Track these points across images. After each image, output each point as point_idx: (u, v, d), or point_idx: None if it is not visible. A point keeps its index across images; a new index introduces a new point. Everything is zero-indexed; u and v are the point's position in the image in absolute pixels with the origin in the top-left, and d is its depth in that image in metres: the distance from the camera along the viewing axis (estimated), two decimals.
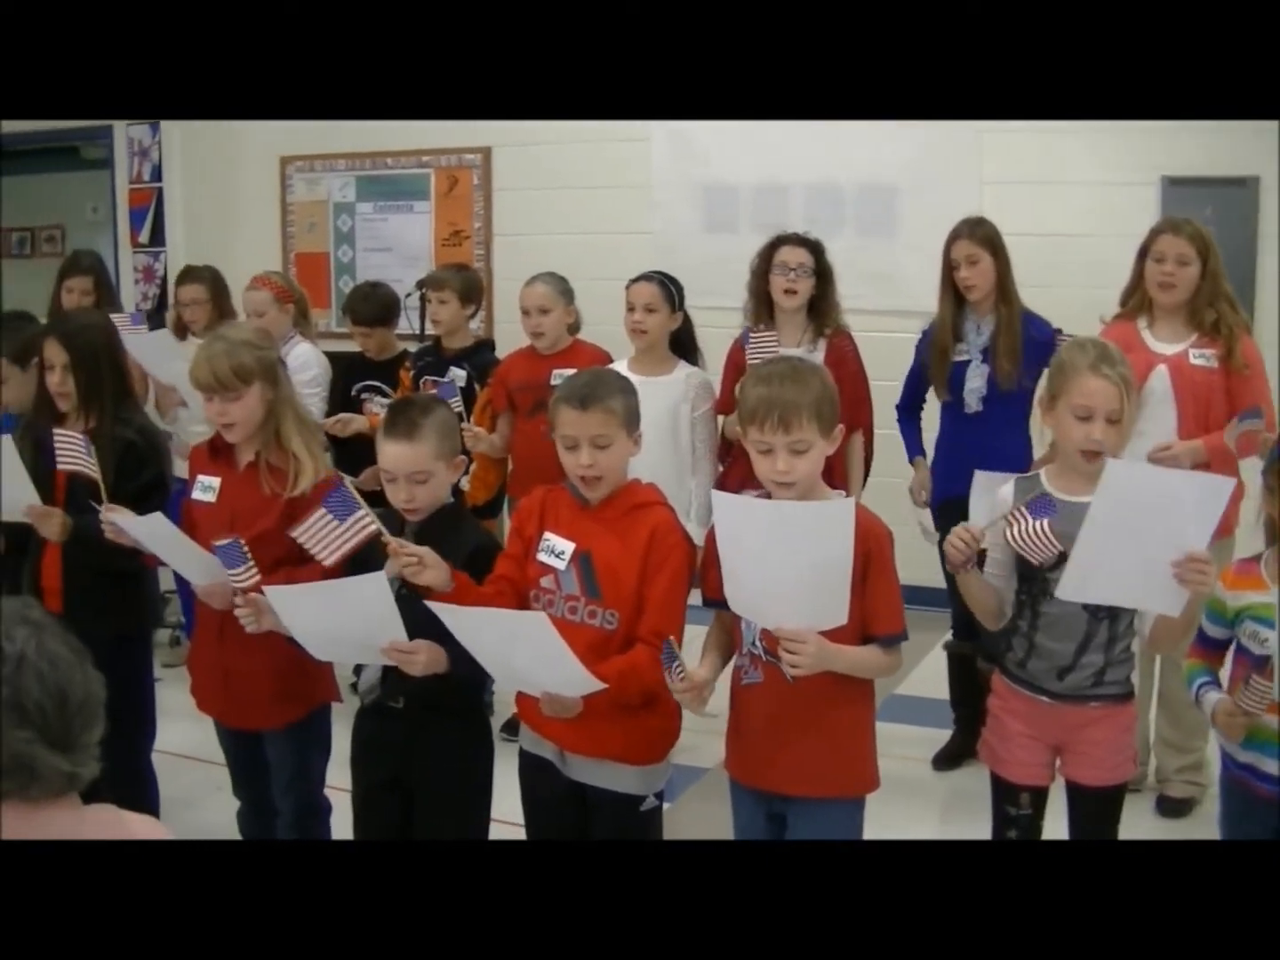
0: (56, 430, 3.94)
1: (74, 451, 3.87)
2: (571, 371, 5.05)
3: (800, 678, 3.07)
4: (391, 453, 3.44)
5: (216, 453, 3.90)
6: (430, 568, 3.25)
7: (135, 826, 2.05)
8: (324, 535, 3.37)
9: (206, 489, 3.88)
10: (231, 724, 4.00)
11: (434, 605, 3.12)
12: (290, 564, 3.66)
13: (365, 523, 3.34)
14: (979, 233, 5.16)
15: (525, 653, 3.10)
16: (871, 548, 3.10)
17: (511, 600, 3.35)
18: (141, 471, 4.06)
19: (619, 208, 7.98)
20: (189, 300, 6.40)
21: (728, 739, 3.41)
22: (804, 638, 2.99)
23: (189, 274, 6.53)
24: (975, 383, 5.15)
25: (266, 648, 3.60)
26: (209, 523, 3.83)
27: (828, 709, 3.20)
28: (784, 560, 2.93)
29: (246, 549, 3.49)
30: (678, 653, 3.08)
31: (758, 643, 3.22)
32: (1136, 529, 3.02)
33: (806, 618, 3.00)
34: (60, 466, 3.90)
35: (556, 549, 3.34)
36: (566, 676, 3.07)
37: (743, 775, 3.36)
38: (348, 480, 3.36)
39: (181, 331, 6.46)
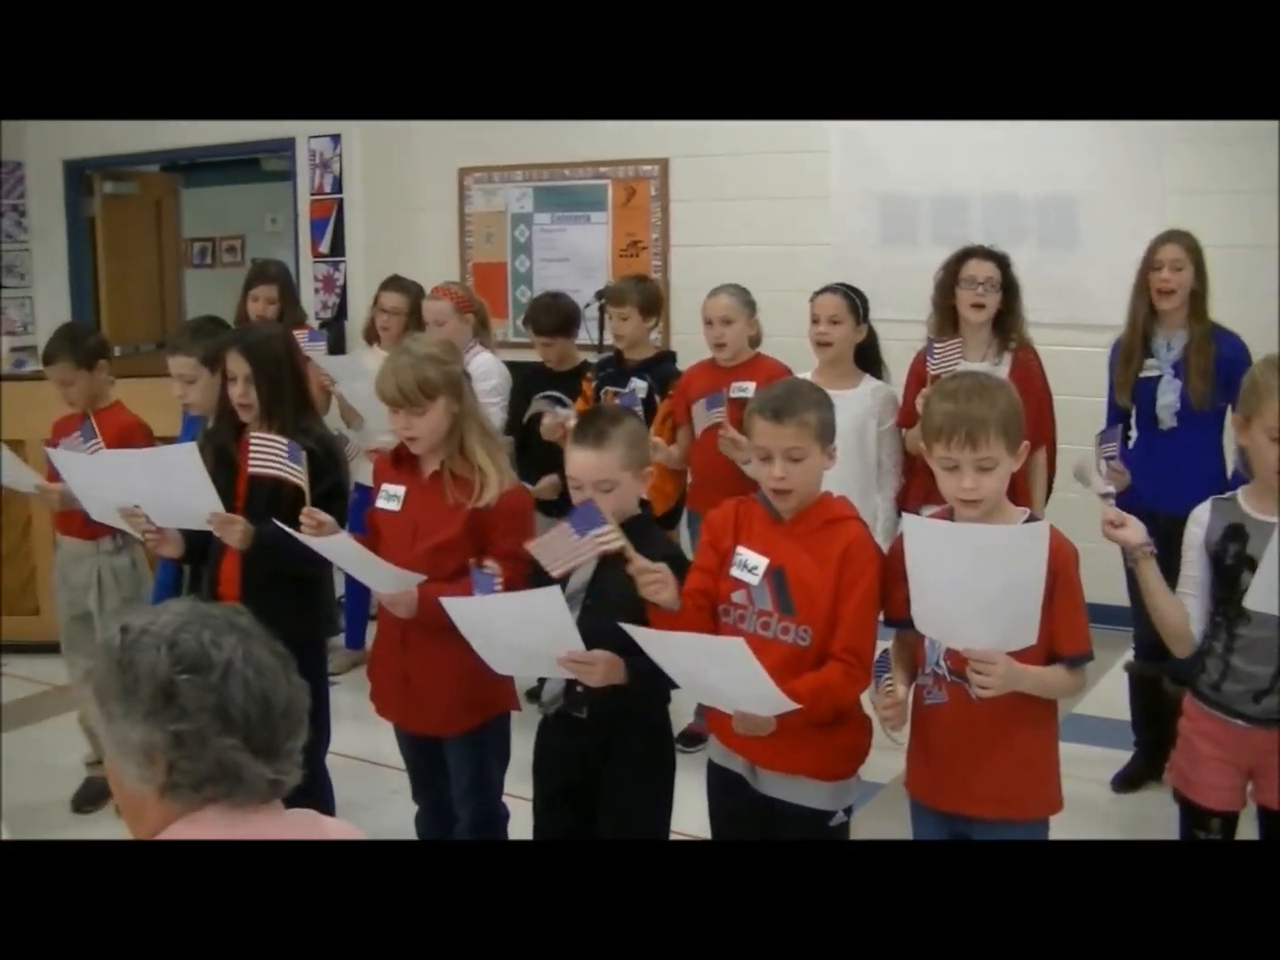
0: (255, 434, 3.95)
1: (273, 455, 3.86)
2: (751, 384, 5.06)
3: (986, 698, 3.04)
4: (579, 460, 3.46)
5: (400, 462, 3.93)
6: (670, 586, 3.24)
7: (333, 830, 2.09)
8: (558, 548, 3.35)
9: (391, 497, 3.91)
10: (412, 730, 4.04)
11: (628, 628, 3.12)
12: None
13: (607, 539, 3.28)
14: (1187, 240, 5.07)
15: (720, 674, 3.09)
16: (1058, 567, 3.04)
17: (706, 615, 3.34)
18: (321, 480, 4.04)
19: (796, 219, 7.91)
20: (390, 308, 6.46)
21: (910, 758, 3.38)
22: (993, 659, 2.96)
23: (395, 283, 6.57)
24: (1168, 398, 5.04)
25: (448, 656, 3.62)
26: (392, 531, 3.89)
27: (1013, 730, 3.16)
28: (976, 583, 2.90)
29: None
30: (890, 665, 3.06)
31: (942, 663, 3.19)
32: None
33: (996, 639, 2.97)
34: (255, 470, 3.90)
35: (749, 564, 3.31)
36: (762, 698, 3.06)
37: (925, 795, 3.33)
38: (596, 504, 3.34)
39: (372, 337, 6.59)
